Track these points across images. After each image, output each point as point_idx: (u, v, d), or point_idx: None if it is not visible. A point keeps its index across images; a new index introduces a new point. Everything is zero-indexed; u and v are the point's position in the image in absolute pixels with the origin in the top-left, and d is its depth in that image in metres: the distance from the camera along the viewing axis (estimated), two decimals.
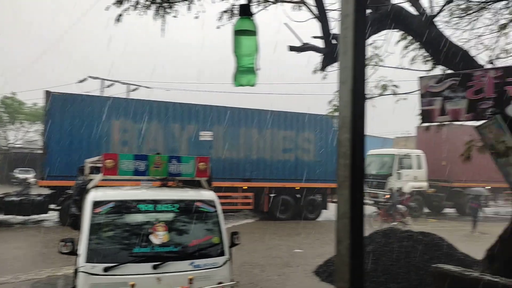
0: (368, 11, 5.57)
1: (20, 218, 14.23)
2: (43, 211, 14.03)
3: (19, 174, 31.15)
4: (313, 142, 17.06)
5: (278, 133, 16.60)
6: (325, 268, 8.49)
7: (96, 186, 4.84)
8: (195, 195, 4.88)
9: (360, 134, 1.34)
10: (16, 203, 13.63)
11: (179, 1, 5.18)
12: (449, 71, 5.45)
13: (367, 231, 1.72)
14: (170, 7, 5.18)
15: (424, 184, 20.19)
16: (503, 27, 6.30)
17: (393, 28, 5.89)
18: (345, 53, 1.31)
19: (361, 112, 1.34)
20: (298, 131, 16.93)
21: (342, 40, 1.33)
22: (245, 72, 2.58)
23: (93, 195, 4.50)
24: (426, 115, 4.86)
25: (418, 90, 4.91)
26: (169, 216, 4.52)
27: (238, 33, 2.62)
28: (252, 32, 2.61)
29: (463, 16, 6.56)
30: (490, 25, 6.50)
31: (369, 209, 15.42)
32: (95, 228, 4.23)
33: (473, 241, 12.03)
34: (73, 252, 4.16)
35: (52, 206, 14.01)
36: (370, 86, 6.98)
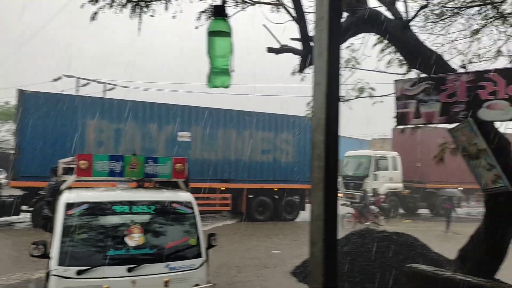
0: (345, 14, 5.63)
1: None
2: (15, 213, 13.63)
3: None
4: (292, 144, 17.15)
5: (257, 134, 16.62)
6: (302, 269, 8.54)
7: (70, 187, 4.74)
8: (171, 196, 4.83)
9: (334, 136, 1.34)
10: None
11: (155, 0, 5.13)
12: (424, 75, 5.56)
13: (340, 232, 1.73)
14: (147, 6, 5.12)
15: (400, 186, 20.57)
16: (475, 32, 6.46)
17: (370, 32, 5.97)
18: (319, 55, 1.31)
19: (335, 114, 1.34)
20: (276, 132, 16.99)
21: (317, 42, 1.33)
22: (219, 73, 2.56)
23: (66, 197, 4.40)
24: (401, 118, 4.93)
25: (394, 93, 4.98)
26: (145, 217, 4.46)
27: (212, 34, 2.60)
28: (227, 34, 2.59)
29: (438, 21, 6.71)
30: (463, 30, 6.67)
31: (346, 210, 15.59)
32: (68, 231, 4.14)
33: (446, 241, 12.30)
34: (45, 255, 4.06)
35: (24, 207, 13.63)
36: (347, 89, 7.05)
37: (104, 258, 4.09)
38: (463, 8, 6.26)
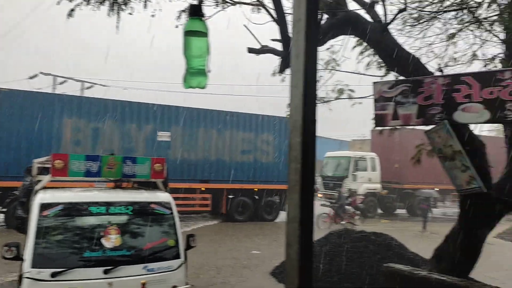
0: (326, 16, 5.67)
1: None
2: None
3: None
4: (272, 144, 17.18)
5: (237, 135, 16.59)
6: (281, 269, 8.56)
7: (45, 188, 4.64)
8: (150, 197, 4.78)
9: (312, 138, 1.34)
10: None
11: None
12: (402, 77, 5.64)
13: (316, 232, 1.73)
14: (125, 4, 5.04)
15: (378, 186, 20.86)
16: (451, 36, 6.60)
17: (349, 34, 6.03)
18: (297, 57, 1.31)
19: (312, 116, 1.34)
20: (257, 132, 17.00)
21: (294, 44, 1.33)
22: (195, 74, 2.53)
23: (40, 197, 4.30)
24: (379, 119, 4.99)
25: (372, 95, 5.04)
26: (122, 218, 4.40)
27: (189, 34, 2.56)
28: (203, 34, 2.57)
29: (415, 25, 6.82)
30: (440, 34, 6.80)
31: (322, 211, 15.70)
32: (42, 232, 4.05)
33: (423, 241, 12.53)
34: (18, 257, 3.95)
35: None
36: (327, 90, 7.11)
37: (79, 260, 4.03)
38: (440, 13, 6.39)
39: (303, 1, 1.27)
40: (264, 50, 6.04)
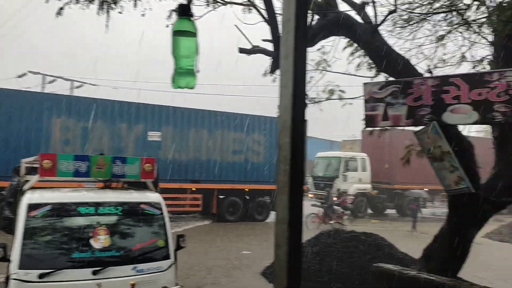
0: (316, 17, 5.69)
1: None
2: None
3: None
4: (263, 144, 17.18)
5: (228, 135, 16.56)
6: (272, 269, 8.55)
7: (33, 188, 4.58)
8: (140, 197, 4.75)
9: (301, 139, 1.34)
10: None
11: None
12: (392, 78, 5.68)
13: (305, 232, 1.74)
14: (115, 3, 5.00)
15: (368, 186, 20.97)
16: (441, 38, 6.66)
17: (340, 35, 6.05)
18: (286, 57, 1.31)
19: (301, 116, 1.34)
20: (248, 132, 16.98)
21: (284, 44, 1.33)
22: (184, 74, 2.51)
23: (28, 197, 4.25)
24: (369, 120, 5.02)
25: (363, 95, 5.07)
26: (112, 219, 4.36)
27: (177, 33, 2.54)
28: (192, 34, 2.55)
29: (405, 26, 6.87)
30: (429, 36, 6.86)
31: (310, 211, 15.72)
32: (30, 233, 4.00)
33: (412, 241, 12.62)
34: (5, 258, 3.90)
35: None
36: (318, 90, 7.13)
37: (68, 261, 3.98)
38: (430, 15, 6.45)
39: (292, 1, 1.27)
40: (255, 50, 6.04)
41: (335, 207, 16.37)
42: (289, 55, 1.31)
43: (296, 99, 1.31)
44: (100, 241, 4.12)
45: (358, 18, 5.94)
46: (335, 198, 17.36)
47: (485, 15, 5.90)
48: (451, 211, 5.59)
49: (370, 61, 6.59)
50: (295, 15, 1.27)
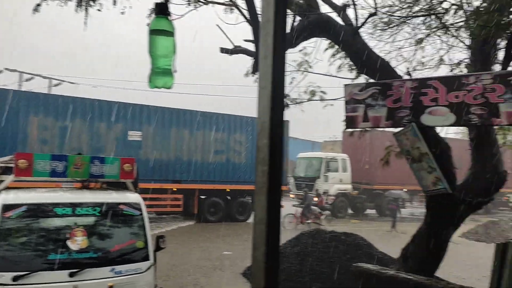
0: (298, 18, 5.70)
1: None
2: None
3: None
4: (244, 144, 17.17)
5: (210, 135, 16.50)
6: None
7: (8, 188, 4.47)
8: (119, 198, 4.68)
9: (279, 140, 1.34)
10: None
11: None
12: (372, 80, 5.74)
13: (282, 233, 1.73)
14: (93, 0, 4.91)
15: (349, 187, 21.20)
16: (420, 41, 6.77)
17: (321, 37, 6.09)
18: (265, 58, 1.31)
19: (280, 117, 1.34)
20: (229, 133, 16.95)
21: (263, 45, 1.32)
22: (161, 73, 2.47)
23: (3, 198, 4.14)
24: (350, 121, 5.07)
25: (344, 97, 5.11)
26: (89, 220, 4.29)
27: (154, 32, 2.50)
28: (169, 33, 2.51)
29: (386, 29, 6.96)
30: (409, 38, 6.97)
31: (287, 211, 15.80)
32: (4, 234, 3.91)
33: (392, 240, 12.80)
34: None
35: None
36: (300, 91, 7.16)
37: (43, 263, 3.90)
38: (409, 18, 6.54)
39: (271, 2, 1.26)
40: (236, 50, 6.02)
41: (313, 207, 16.51)
42: (268, 56, 1.31)
43: (275, 100, 1.31)
44: (77, 242, 4.05)
45: (339, 20, 5.99)
46: (315, 198, 17.50)
47: (463, 19, 6.02)
48: (428, 211, 5.68)
49: (351, 63, 6.65)
50: (274, 16, 1.26)
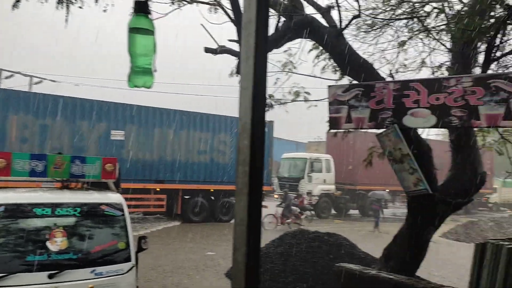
0: (283, 19, 5.72)
1: None
2: None
3: None
4: (228, 144, 17.13)
5: (194, 134, 16.40)
6: None
7: None
8: (100, 198, 4.61)
9: (260, 141, 1.34)
10: None
11: None
12: (355, 82, 5.80)
13: (262, 233, 1.73)
14: None
15: (332, 187, 21.34)
16: (402, 44, 6.87)
17: (306, 38, 6.12)
18: (246, 59, 1.30)
19: (261, 118, 1.34)
20: (213, 132, 16.89)
21: (245, 45, 1.32)
22: (140, 73, 2.44)
23: None
24: (333, 122, 5.10)
25: (327, 98, 5.14)
26: (70, 220, 4.21)
27: (134, 30, 2.46)
28: (150, 32, 2.48)
29: (369, 31, 7.04)
30: (392, 41, 7.06)
31: (267, 212, 15.82)
32: None
33: (374, 240, 12.93)
34: None
35: None
36: (284, 92, 7.18)
37: (22, 264, 3.82)
38: (392, 20, 6.63)
39: (253, 3, 1.26)
40: (221, 50, 6.01)
41: (293, 207, 16.58)
42: (250, 57, 1.30)
43: (256, 101, 1.30)
44: (56, 243, 3.98)
45: (323, 22, 6.03)
46: (296, 199, 17.59)
47: (444, 22, 6.12)
48: (410, 212, 5.76)
49: (335, 64, 6.70)
50: (256, 16, 1.26)
